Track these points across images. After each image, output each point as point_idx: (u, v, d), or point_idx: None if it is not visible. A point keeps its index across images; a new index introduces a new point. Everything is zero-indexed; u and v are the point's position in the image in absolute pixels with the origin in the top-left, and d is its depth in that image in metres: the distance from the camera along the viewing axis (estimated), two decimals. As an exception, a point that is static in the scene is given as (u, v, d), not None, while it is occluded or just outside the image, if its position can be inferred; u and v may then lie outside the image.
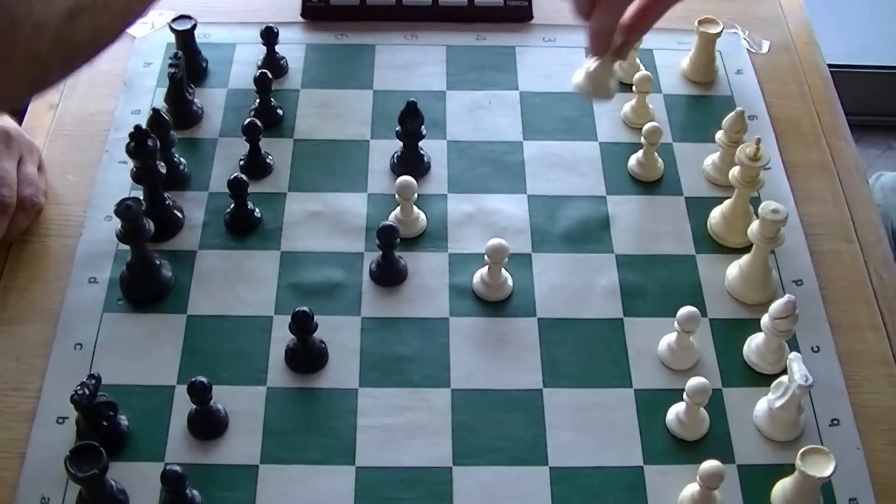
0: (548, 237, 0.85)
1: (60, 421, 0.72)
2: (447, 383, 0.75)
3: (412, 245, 0.83)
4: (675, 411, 0.73)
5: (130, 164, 0.82)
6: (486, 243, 0.79)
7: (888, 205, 1.17)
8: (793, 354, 0.72)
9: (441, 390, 0.75)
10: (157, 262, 0.80)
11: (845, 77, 1.40)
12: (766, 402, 0.73)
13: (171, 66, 0.89)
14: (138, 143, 0.79)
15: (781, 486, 0.69)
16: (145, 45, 0.99)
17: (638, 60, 0.96)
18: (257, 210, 0.85)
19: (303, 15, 1.02)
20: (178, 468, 0.66)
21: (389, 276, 0.81)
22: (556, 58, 0.99)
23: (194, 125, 0.92)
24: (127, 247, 0.78)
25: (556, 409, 0.74)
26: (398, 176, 0.84)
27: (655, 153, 0.88)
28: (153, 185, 0.82)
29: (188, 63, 0.92)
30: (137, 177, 0.81)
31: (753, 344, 0.77)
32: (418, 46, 1.00)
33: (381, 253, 0.80)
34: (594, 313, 0.80)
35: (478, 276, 0.81)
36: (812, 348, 0.78)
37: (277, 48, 0.95)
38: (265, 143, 0.88)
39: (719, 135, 0.87)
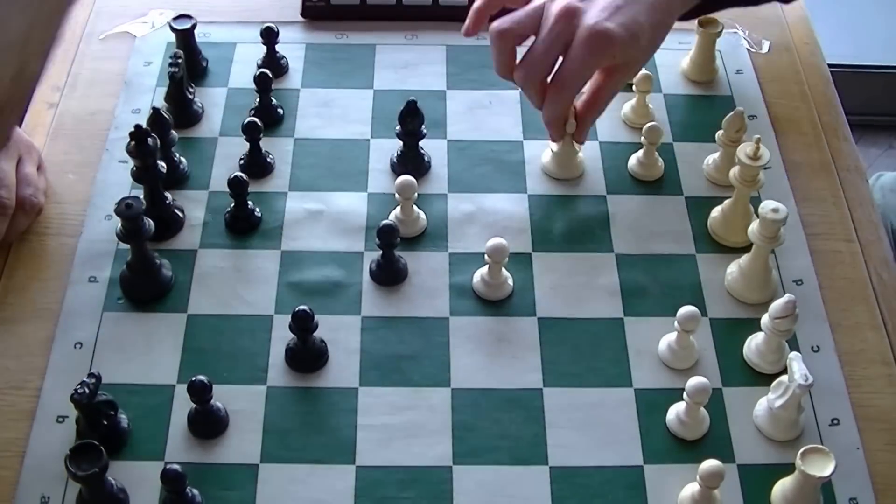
0: (548, 237, 0.84)
1: (60, 420, 0.72)
2: (447, 383, 0.75)
3: (412, 244, 0.83)
4: (676, 411, 0.73)
5: (130, 163, 0.82)
6: (486, 243, 0.78)
7: (888, 205, 1.17)
8: (793, 354, 0.72)
9: (441, 390, 0.75)
10: (158, 262, 0.80)
11: (845, 77, 1.40)
12: (766, 402, 0.73)
13: (171, 65, 0.89)
14: (138, 142, 0.79)
15: (781, 486, 0.69)
16: (145, 44, 0.99)
17: (638, 60, 0.96)
18: (258, 209, 0.85)
19: (303, 14, 1.01)
20: (178, 467, 0.66)
21: (389, 275, 0.81)
22: (557, 58, 0.99)
23: (194, 124, 0.92)
24: (127, 246, 0.78)
25: (556, 409, 0.74)
26: (398, 175, 0.84)
27: (656, 153, 0.88)
28: (153, 185, 0.82)
29: (188, 62, 0.92)
30: (137, 176, 0.81)
31: (753, 343, 0.77)
32: (418, 46, 1.00)
33: (381, 252, 0.80)
34: (594, 313, 0.80)
35: (478, 275, 0.81)
36: (812, 348, 0.78)
37: (278, 48, 0.95)
38: (265, 143, 0.88)
39: (719, 134, 0.87)
